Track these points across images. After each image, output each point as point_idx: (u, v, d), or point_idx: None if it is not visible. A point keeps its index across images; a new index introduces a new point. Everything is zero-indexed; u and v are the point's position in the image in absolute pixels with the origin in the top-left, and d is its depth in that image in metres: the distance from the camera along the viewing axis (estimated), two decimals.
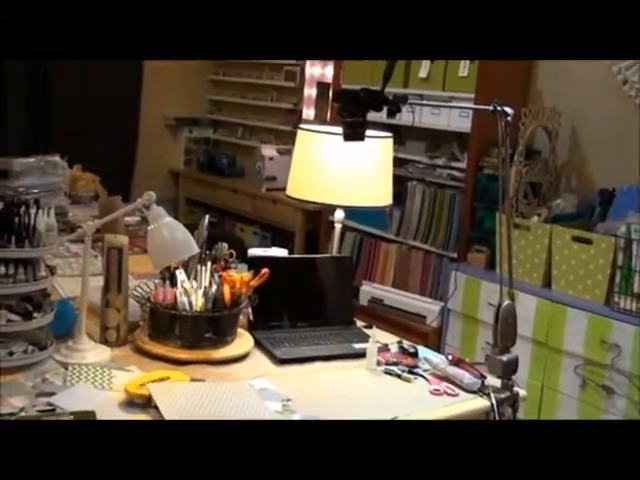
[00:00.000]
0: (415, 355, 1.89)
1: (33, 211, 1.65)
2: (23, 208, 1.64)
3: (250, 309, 1.91)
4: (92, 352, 1.72)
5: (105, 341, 1.80)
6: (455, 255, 3.41)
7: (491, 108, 1.71)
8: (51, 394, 1.50)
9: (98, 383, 1.59)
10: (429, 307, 3.46)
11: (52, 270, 1.72)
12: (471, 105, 3.24)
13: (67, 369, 1.64)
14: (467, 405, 1.67)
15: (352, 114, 1.62)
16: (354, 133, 1.66)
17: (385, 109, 1.63)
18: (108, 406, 1.49)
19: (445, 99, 3.38)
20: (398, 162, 3.15)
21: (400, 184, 3.47)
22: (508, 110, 1.71)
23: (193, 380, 1.62)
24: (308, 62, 4.75)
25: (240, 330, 1.89)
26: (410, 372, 1.79)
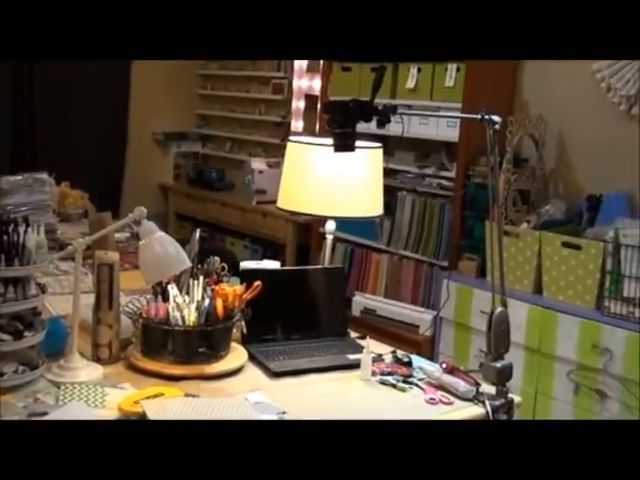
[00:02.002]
0: (409, 364, 1.89)
1: (22, 229, 1.63)
2: (12, 226, 1.63)
3: (243, 322, 1.90)
4: (84, 370, 1.70)
5: (97, 359, 1.78)
6: (446, 264, 3.42)
7: (479, 117, 1.73)
8: (43, 414, 1.49)
9: (91, 401, 1.57)
10: (421, 316, 3.46)
11: (43, 288, 1.70)
12: (458, 114, 3.26)
13: (59, 388, 1.62)
14: (463, 413, 1.67)
15: (342, 125, 1.63)
16: (344, 144, 1.66)
17: (375, 120, 1.64)
18: None
19: (432, 109, 3.39)
20: (387, 172, 3.16)
21: (390, 194, 3.48)
22: (496, 118, 1.73)
23: (187, 395, 1.61)
24: (295, 75, 4.77)
25: (233, 344, 1.88)
26: (405, 381, 1.79)
